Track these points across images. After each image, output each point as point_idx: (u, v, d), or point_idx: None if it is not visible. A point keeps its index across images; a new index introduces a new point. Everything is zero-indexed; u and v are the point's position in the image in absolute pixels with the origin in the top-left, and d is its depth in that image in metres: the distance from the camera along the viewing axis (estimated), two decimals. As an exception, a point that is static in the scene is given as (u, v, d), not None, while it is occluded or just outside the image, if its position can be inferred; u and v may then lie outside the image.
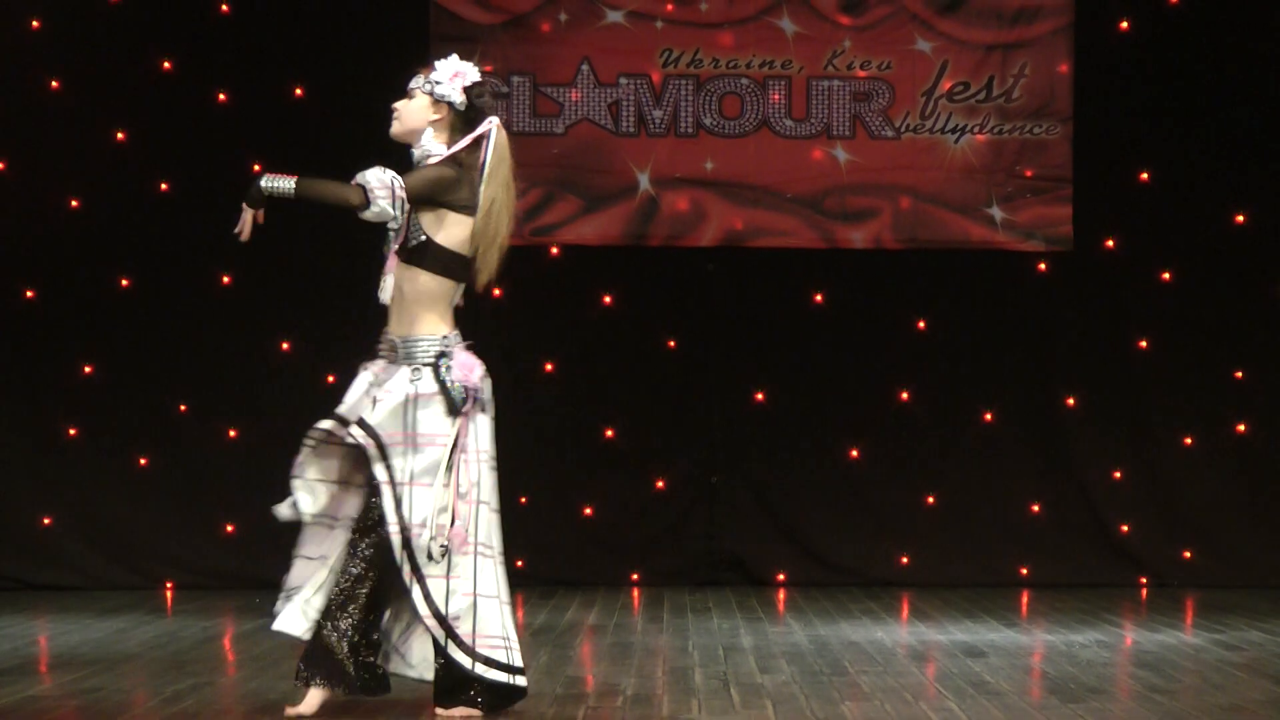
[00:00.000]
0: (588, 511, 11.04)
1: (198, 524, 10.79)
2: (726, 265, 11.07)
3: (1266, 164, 11.01)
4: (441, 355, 6.39)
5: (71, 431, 10.84)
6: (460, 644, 6.28)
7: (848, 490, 11.09)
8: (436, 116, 6.48)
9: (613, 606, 9.94)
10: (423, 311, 6.42)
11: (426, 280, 6.40)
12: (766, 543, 11.05)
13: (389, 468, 6.30)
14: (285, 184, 6.26)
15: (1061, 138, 10.95)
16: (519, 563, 10.27)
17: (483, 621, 6.31)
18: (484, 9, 10.87)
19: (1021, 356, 11.11)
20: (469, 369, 6.40)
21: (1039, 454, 11.11)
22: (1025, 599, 10.47)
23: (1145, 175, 11.05)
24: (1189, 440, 11.08)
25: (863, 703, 6.79)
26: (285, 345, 10.88)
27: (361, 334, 10.00)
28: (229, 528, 10.81)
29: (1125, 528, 11.07)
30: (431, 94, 6.46)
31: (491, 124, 6.49)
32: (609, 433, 11.05)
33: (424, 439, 6.32)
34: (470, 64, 6.52)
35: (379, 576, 6.35)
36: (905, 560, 11.02)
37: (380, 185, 6.26)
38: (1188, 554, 11.06)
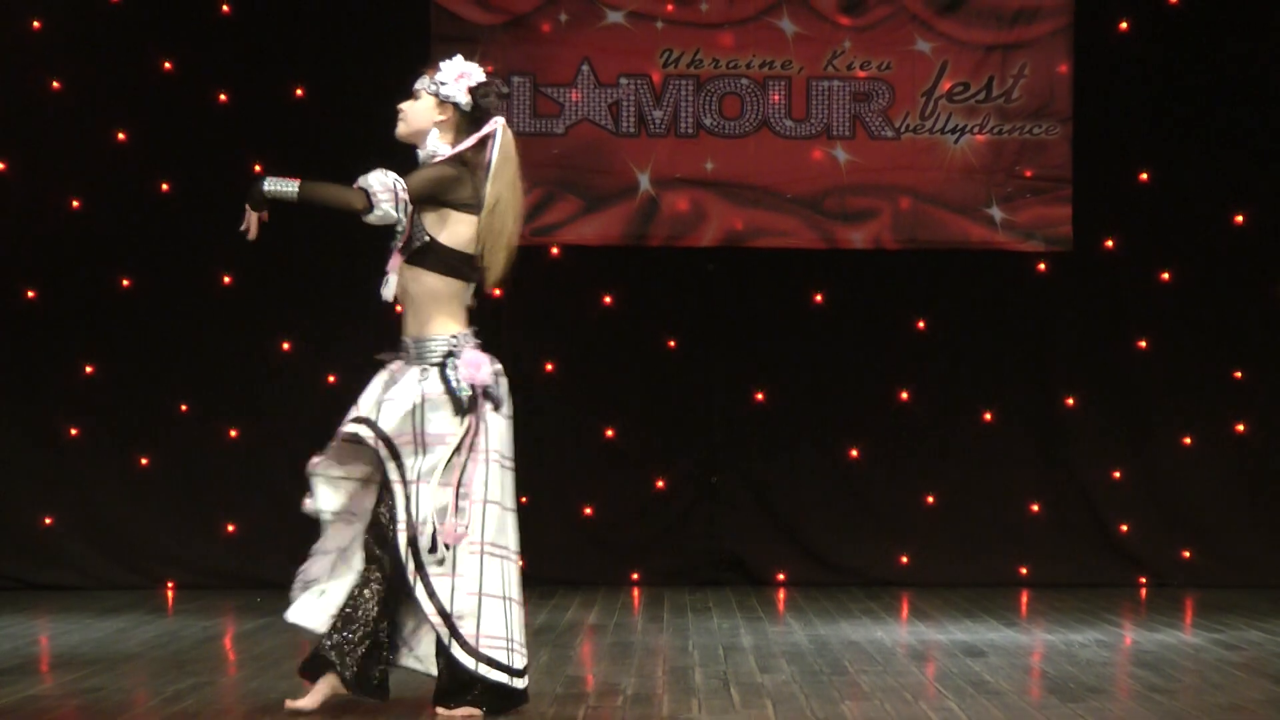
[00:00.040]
0: (588, 511, 11.05)
1: (198, 524, 10.80)
2: (726, 265, 11.07)
3: (1266, 164, 11.02)
4: (450, 355, 6.40)
5: (72, 431, 10.84)
6: (464, 644, 6.28)
7: (848, 490, 11.10)
8: (442, 117, 6.49)
9: (613, 606, 9.94)
10: (433, 312, 6.43)
11: (433, 281, 6.41)
12: (766, 543, 11.05)
13: (400, 467, 6.32)
14: (289, 187, 6.26)
15: (1061, 138, 10.95)
16: (520, 563, 10.26)
17: (487, 621, 6.32)
18: (484, 9, 10.88)
19: (1021, 356, 11.11)
20: (475, 366, 6.40)
21: (1039, 454, 11.12)
22: (1025, 599, 10.48)
23: (1145, 175, 11.06)
24: (1188, 440, 11.09)
25: (862, 702, 6.80)
26: (285, 345, 10.89)
27: (362, 334, 10.03)
28: (229, 527, 10.82)
29: (1125, 527, 11.07)
30: (437, 95, 6.47)
31: (497, 124, 6.49)
32: (609, 433, 11.06)
33: (432, 438, 6.33)
34: (475, 64, 6.53)
35: (390, 578, 6.36)
36: (905, 560, 11.02)
37: (383, 189, 6.27)
38: (1187, 554, 11.06)
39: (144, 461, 10.84)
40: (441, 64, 6.51)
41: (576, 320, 11.05)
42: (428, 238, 6.38)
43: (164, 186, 10.84)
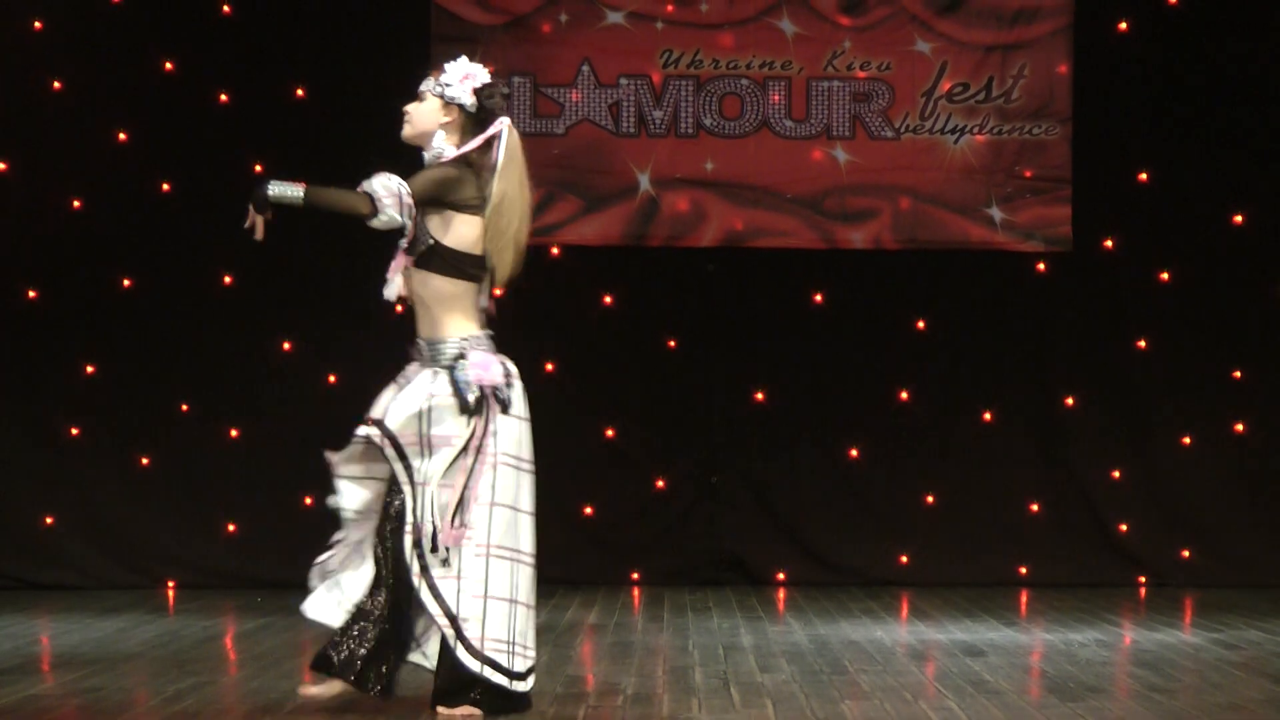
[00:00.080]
0: (588, 511, 11.05)
1: (198, 524, 10.80)
2: (726, 265, 11.08)
3: (1266, 164, 11.02)
4: (460, 356, 6.40)
5: (73, 431, 10.84)
6: (468, 645, 6.29)
7: (848, 490, 11.10)
8: (447, 119, 6.49)
9: (613, 606, 9.95)
10: (444, 314, 6.43)
11: (440, 283, 6.41)
12: (766, 543, 11.06)
13: (408, 469, 6.33)
14: (294, 192, 6.25)
15: (1061, 138, 10.96)
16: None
17: (491, 624, 6.32)
18: (484, 10, 10.89)
19: (1021, 356, 11.12)
20: (484, 367, 6.39)
21: (1038, 454, 11.12)
22: (1024, 598, 10.48)
23: (1144, 175, 11.06)
24: (1188, 440, 11.09)
25: (862, 702, 6.80)
26: (285, 345, 10.89)
27: (362, 334, 10.04)
28: (230, 527, 10.82)
29: (1124, 527, 11.08)
30: (442, 96, 6.48)
31: (503, 125, 6.50)
32: (609, 433, 11.06)
33: (439, 440, 6.34)
34: (479, 66, 6.53)
35: (398, 579, 6.37)
36: (905, 560, 11.02)
37: (387, 193, 6.26)
38: (1186, 553, 11.06)
39: (144, 461, 10.84)
40: (446, 65, 6.51)
41: (576, 320, 11.05)
42: (432, 240, 6.38)
43: (164, 186, 10.84)
